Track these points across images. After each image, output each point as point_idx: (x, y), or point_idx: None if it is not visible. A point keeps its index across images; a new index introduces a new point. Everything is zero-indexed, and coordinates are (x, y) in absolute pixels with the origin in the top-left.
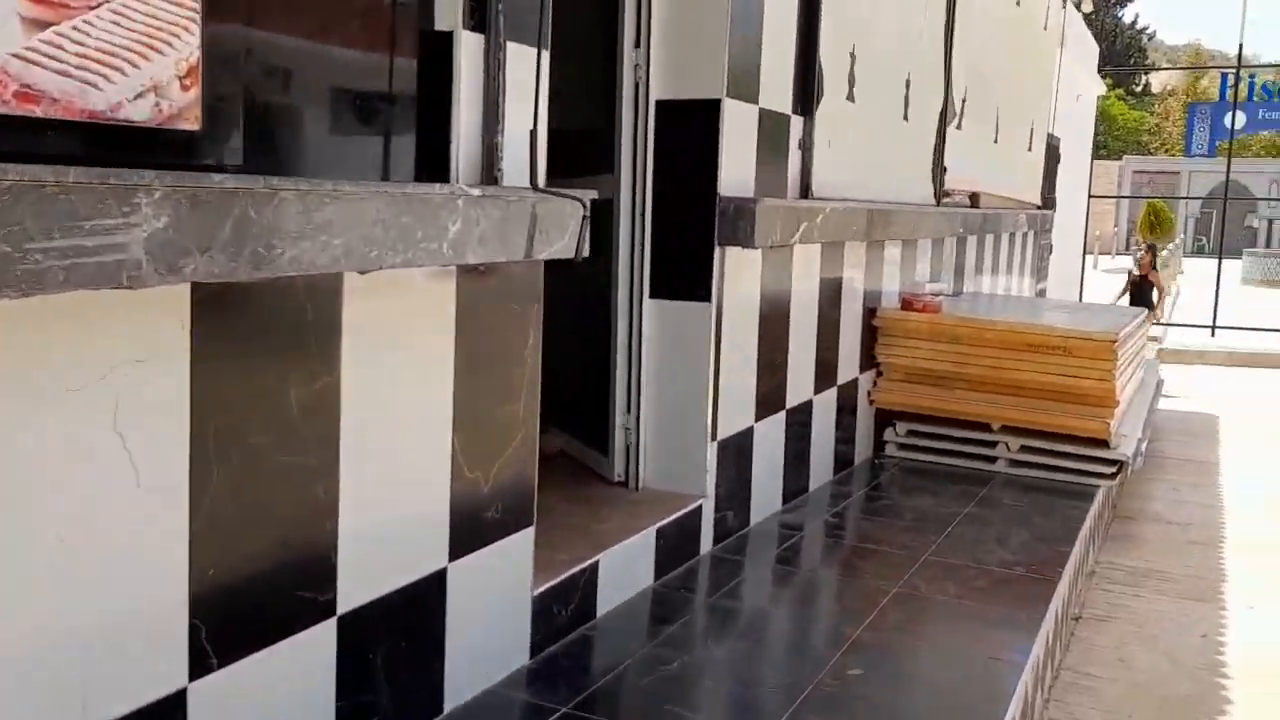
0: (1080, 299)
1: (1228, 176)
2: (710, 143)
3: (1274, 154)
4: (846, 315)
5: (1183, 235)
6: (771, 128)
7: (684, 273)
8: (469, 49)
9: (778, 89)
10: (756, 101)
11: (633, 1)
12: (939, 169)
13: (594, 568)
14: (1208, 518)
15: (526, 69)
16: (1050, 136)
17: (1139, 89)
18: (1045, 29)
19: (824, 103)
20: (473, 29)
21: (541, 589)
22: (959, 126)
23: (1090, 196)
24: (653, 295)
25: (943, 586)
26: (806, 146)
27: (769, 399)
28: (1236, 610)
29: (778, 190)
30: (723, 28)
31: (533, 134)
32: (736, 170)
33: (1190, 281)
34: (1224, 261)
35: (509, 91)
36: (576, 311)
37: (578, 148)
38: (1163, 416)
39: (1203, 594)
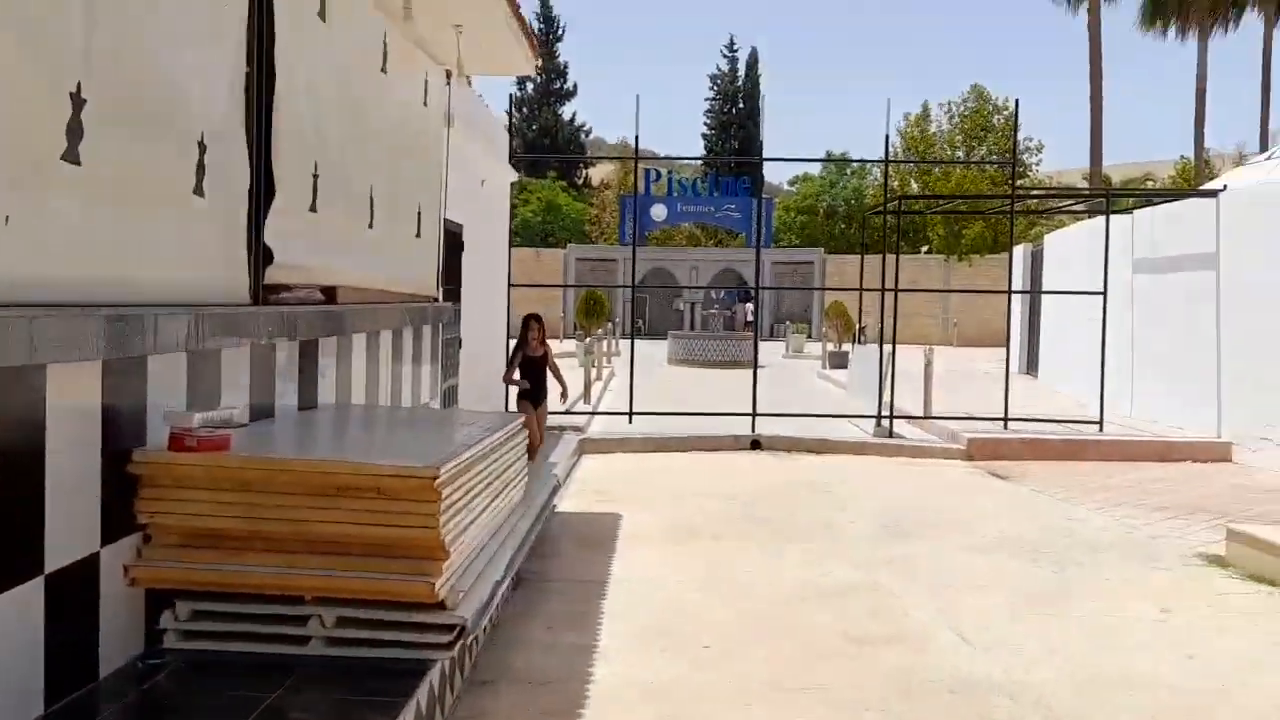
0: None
1: (634, 264)
2: None
3: (694, 244)
4: (66, 465)
5: (618, 318)
6: None
7: None
8: None
9: None
10: None
11: None
12: (258, 258)
13: None
14: (574, 667)
15: None
16: (449, 222)
17: (581, 182)
18: (426, 105)
19: None
20: None
21: None
22: (314, 208)
23: (510, 286)
24: None
25: None
26: None
27: None
28: None
29: None
30: None
31: None
32: None
33: (624, 364)
34: (655, 343)
35: None
36: None
37: None
38: (564, 523)
39: None
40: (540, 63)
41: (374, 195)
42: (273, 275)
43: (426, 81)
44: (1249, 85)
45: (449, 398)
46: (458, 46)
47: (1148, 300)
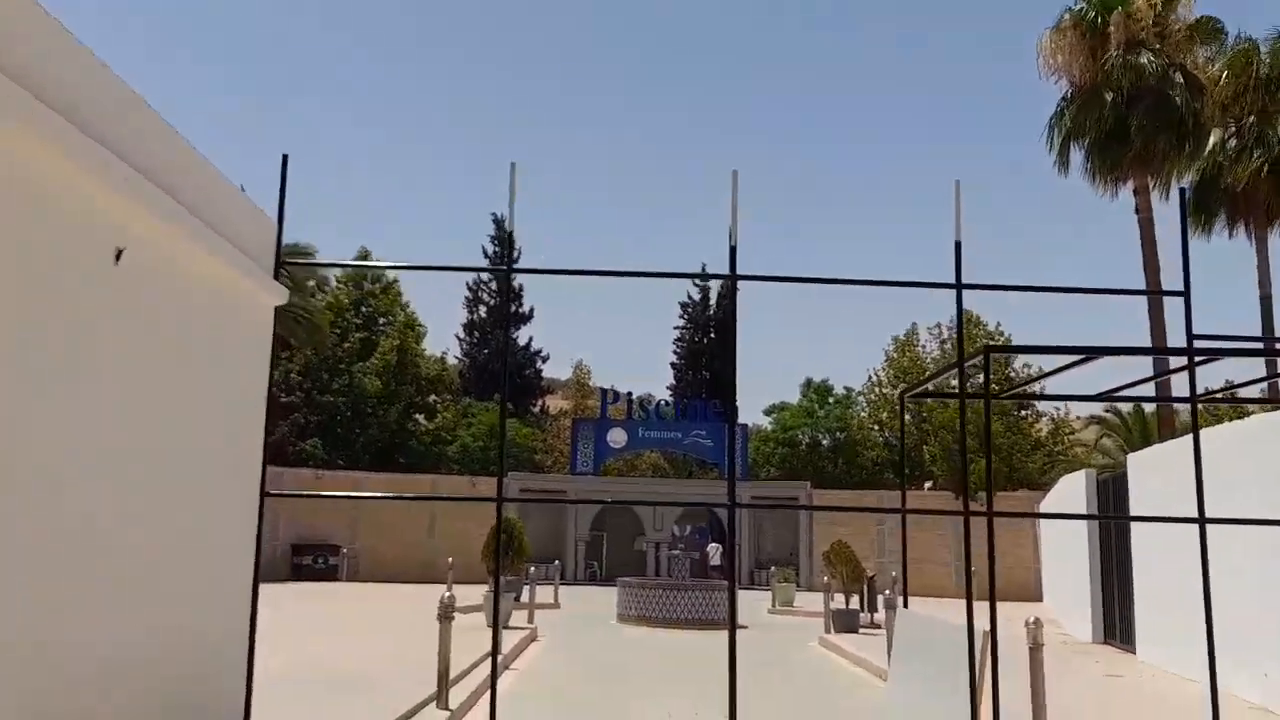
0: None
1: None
2: None
3: (660, 475)
4: None
5: (558, 561)
6: None
7: None
8: None
9: None
10: None
11: None
12: None
13: None
14: None
15: None
16: None
17: (537, 410)
18: None
19: None
20: None
21: None
22: None
23: (265, 494)
24: None
25: None
26: None
27: None
28: None
29: None
30: None
31: None
32: None
33: (557, 626)
34: (610, 591)
35: None
36: None
37: None
38: None
39: None
40: None
41: None
42: None
43: None
44: None
45: None
46: None
47: None
